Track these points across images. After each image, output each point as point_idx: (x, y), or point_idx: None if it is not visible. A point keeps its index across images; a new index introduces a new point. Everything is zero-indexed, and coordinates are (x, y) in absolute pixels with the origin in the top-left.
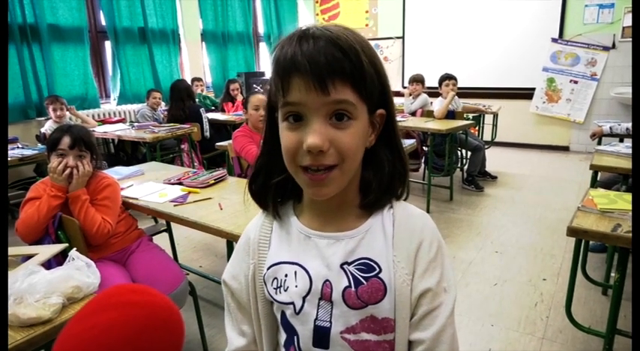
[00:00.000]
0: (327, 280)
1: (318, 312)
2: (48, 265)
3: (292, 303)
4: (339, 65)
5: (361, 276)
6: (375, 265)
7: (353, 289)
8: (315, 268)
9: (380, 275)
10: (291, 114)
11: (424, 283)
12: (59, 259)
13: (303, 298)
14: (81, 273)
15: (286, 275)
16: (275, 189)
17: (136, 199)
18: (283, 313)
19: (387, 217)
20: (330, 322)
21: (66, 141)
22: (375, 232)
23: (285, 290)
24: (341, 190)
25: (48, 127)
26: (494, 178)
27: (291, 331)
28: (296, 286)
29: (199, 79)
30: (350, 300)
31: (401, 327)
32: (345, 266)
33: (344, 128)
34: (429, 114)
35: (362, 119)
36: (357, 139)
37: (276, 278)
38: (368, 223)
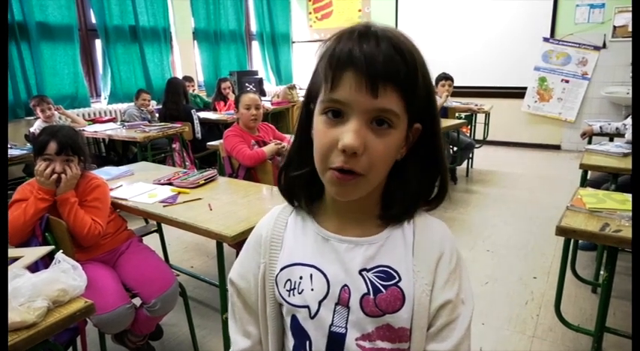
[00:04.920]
0: (346, 285)
1: (334, 317)
2: (35, 267)
3: (307, 306)
4: (395, 69)
5: (380, 284)
6: (394, 274)
7: (372, 296)
8: (334, 272)
9: (399, 284)
10: (331, 109)
11: (445, 295)
12: (46, 261)
13: (319, 302)
14: (67, 276)
15: (301, 277)
16: (304, 185)
17: (126, 199)
18: (294, 317)
19: (407, 225)
20: (346, 328)
21: (52, 146)
22: (395, 240)
23: (300, 293)
24: (362, 198)
25: (37, 126)
26: (454, 180)
27: (302, 336)
28: (312, 290)
29: (190, 79)
30: (368, 308)
31: (417, 337)
32: (363, 273)
33: (382, 136)
34: None
35: (400, 130)
36: (390, 150)
37: (289, 280)
38: (388, 230)
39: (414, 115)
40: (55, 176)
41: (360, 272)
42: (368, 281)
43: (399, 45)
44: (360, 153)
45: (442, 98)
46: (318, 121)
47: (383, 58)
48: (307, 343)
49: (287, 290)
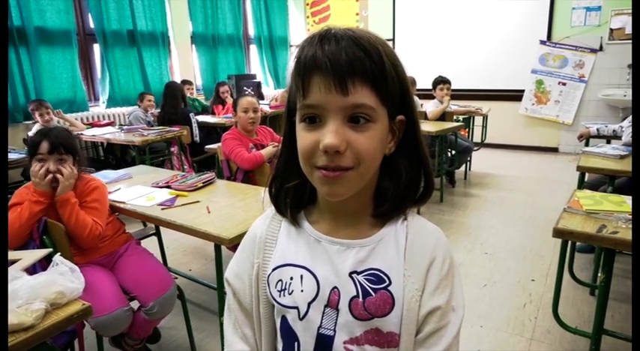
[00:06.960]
0: (335, 288)
1: (322, 319)
2: (32, 270)
3: (296, 307)
4: (361, 64)
5: (370, 287)
6: (385, 277)
7: (360, 299)
8: (324, 273)
9: (389, 288)
10: (308, 116)
11: (434, 301)
12: (44, 264)
13: (309, 304)
14: (65, 278)
15: (291, 278)
16: (293, 194)
17: (124, 202)
18: (284, 318)
19: (401, 229)
20: (334, 330)
21: (44, 146)
22: (387, 243)
23: (290, 294)
24: (355, 197)
25: (35, 130)
26: (453, 183)
27: (291, 338)
28: (302, 291)
29: (189, 82)
30: (356, 310)
31: (406, 343)
32: (354, 275)
33: (362, 131)
34: (419, 115)
35: (381, 123)
36: (375, 142)
37: (280, 280)
38: (381, 233)
39: (391, 106)
40: (50, 176)
41: (350, 275)
42: (358, 284)
43: (359, 41)
44: (342, 150)
45: (445, 103)
46: (299, 128)
47: (345, 56)
48: (296, 344)
49: (278, 291)
